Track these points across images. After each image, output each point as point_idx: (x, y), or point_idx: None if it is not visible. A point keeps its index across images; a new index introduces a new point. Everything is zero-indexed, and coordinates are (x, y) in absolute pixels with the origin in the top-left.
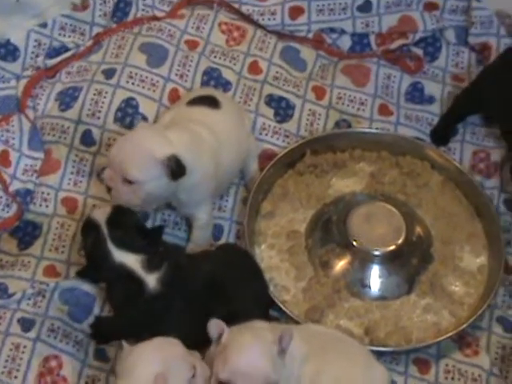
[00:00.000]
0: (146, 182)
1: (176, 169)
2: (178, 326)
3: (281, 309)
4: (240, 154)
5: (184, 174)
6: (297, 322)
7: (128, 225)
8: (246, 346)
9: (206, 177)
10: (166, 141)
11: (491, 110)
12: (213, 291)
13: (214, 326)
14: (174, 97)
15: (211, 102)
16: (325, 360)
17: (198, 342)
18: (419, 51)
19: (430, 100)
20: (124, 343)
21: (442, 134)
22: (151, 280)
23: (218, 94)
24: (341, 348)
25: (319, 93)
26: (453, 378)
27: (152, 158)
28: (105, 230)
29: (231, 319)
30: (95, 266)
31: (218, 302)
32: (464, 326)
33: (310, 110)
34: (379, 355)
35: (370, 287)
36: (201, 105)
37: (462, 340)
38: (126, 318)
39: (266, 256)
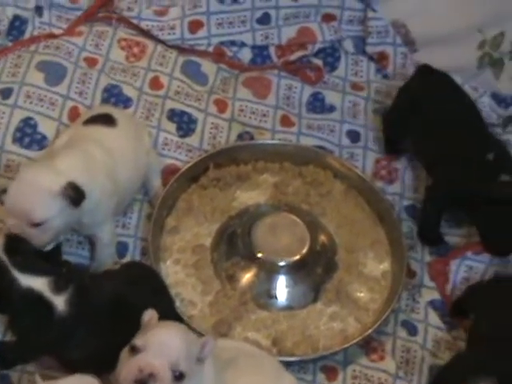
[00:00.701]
0: (52, 218)
1: (75, 195)
2: (84, 349)
3: (188, 324)
4: (138, 171)
5: (84, 198)
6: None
7: (26, 250)
8: (170, 327)
9: (105, 195)
10: (56, 171)
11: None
12: (118, 311)
13: (148, 313)
14: (74, 115)
15: (107, 121)
16: (235, 375)
17: (106, 364)
18: (319, 62)
19: (331, 109)
20: (37, 378)
21: (391, 148)
22: (59, 302)
23: (115, 111)
24: (250, 361)
25: (221, 106)
26: (360, 383)
27: (49, 194)
28: (4, 258)
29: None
30: (1, 296)
31: (124, 321)
32: (369, 331)
33: (212, 123)
34: (287, 365)
35: (276, 298)
36: (96, 124)
37: (368, 345)
38: (33, 342)
39: (172, 271)
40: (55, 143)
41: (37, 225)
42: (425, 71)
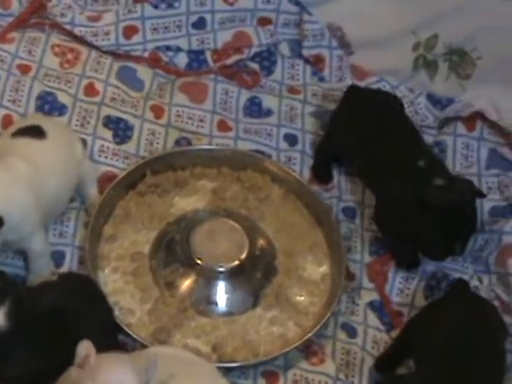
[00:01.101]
0: None
1: None
2: (22, 365)
3: (127, 333)
4: (68, 182)
5: (3, 224)
6: (143, 345)
7: None
8: (119, 366)
9: (27, 211)
10: None
11: (349, 155)
12: (56, 324)
13: (83, 347)
14: (8, 123)
15: (36, 133)
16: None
17: (44, 380)
18: (255, 66)
19: (268, 113)
20: None
21: (322, 173)
22: None
23: (45, 121)
24: (187, 368)
25: (158, 112)
26: None
27: None
28: None
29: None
30: None
31: (62, 334)
32: (309, 335)
33: (149, 129)
34: (228, 371)
35: (216, 304)
36: (24, 136)
37: (308, 349)
38: None
39: (110, 280)
40: None
41: None
42: (353, 91)
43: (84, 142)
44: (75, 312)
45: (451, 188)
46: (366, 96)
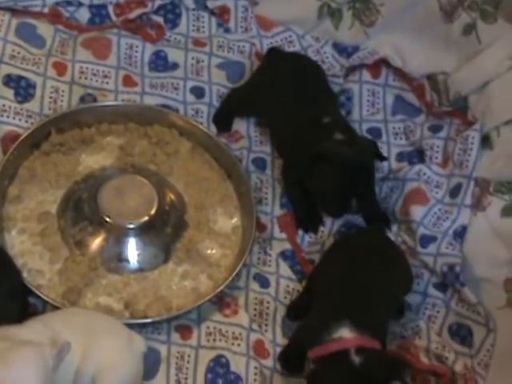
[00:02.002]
0: None
1: None
2: None
3: (37, 294)
4: None
5: None
6: (54, 306)
7: None
8: (19, 361)
9: None
10: None
11: (263, 114)
12: None
13: None
14: None
15: None
16: (86, 344)
17: None
18: (159, 19)
19: (174, 66)
20: None
21: (223, 121)
22: None
23: None
24: (101, 328)
25: (60, 69)
26: (214, 340)
27: None
28: None
29: None
30: None
31: None
32: (221, 287)
33: (52, 87)
34: (141, 327)
35: (127, 261)
36: None
37: (222, 301)
38: None
39: (17, 241)
40: None
41: None
42: (273, 53)
43: None
44: None
45: (350, 144)
46: (284, 58)
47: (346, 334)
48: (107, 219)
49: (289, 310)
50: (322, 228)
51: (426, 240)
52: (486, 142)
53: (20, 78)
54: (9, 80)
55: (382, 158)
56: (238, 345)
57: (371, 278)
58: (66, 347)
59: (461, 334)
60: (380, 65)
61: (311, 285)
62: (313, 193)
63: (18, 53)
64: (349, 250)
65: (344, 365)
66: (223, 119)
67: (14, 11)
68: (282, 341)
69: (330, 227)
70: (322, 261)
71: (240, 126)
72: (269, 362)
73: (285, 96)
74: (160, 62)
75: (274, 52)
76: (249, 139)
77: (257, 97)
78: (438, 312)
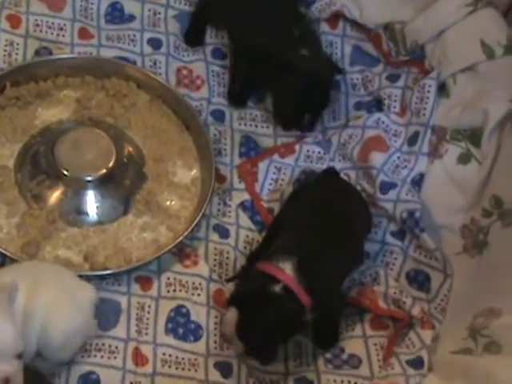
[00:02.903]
0: None
1: None
2: None
3: None
4: None
5: None
6: (13, 260)
7: None
8: None
9: None
10: None
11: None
12: None
13: None
14: None
15: None
16: (35, 290)
17: None
18: None
19: (130, 19)
20: None
21: (194, 38)
22: None
23: None
24: (48, 277)
25: (14, 21)
26: (174, 290)
27: None
28: None
29: None
30: None
31: None
32: (181, 238)
33: (6, 40)
34: (101, 279)
35: (86, 214)
36: None
37: (182, 252)
38: None
39: None
40: None
41: None
42: None
43: None
44: None
45: (313, 59)
46: None
47: (287, 269)
48: (65, 172)
49: (248, 260)
50: (281, 176)
51: (386, 186)
52: (442, 90)
53: None
54: None
55: (339, 70)
56: (198, 295)
57: (331, 224)
58: (13, 287)
59: (418, 279)
60: (338, 16)
61: (271, 234)
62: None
63: None
64: (308, 197)
65: (264, 290)
66: (194, 34)
67: None
68: None
69: (289, 175)
70: (281, 209)
71: (201, 69)
72: None
73: (258, 7)
74: (116, 14)
75: None
76: (209, 88)
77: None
78: (395, 259)
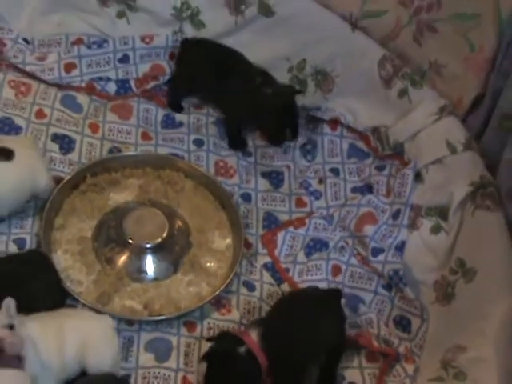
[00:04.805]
0: None
1: None
2: None
3: (77, 299)
4: (21, 188)
5: None
6: (90, 308)
7: None
8: None
9: None
10: None
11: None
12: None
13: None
14: None
15: (5, 154)
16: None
17: None
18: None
19: (180, 125)
20: None
21: (175, 103)
22: None
23: (14, 142)
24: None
25: (94, 128)
26: (213, 333)
27: None
28: None
29: (29, 305)
30: None
31: (16, 294)
32: (218, 291)
33: (87, 142)
34: (157, 323)
35: (146, 272)
36: None
37: (218, 303)
38: None
39: (62, 259)
40: None
41: None
42: (186, 42)
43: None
44: (27, 277)
45: (277, 93)
46: (201, 42)
47: (253, 334)
48: (130, 241)
49: None
50: (295, 243)
51: (376, 251)
52: (418, 177)
53: (64, 135)
54: (55, 137)
55: (300, 91)
56: None
57: (301, 322)
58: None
59: (402, 323)
60: (337, 121)
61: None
62: (262, 131)
63: (62, 117)
64: (292, 300)
65: (230, 349)
66: (175, 103)
67: (59, 86)
68: None
69: (301, 242)
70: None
71: (233, 161)
72: None
73: (218, 72)
74: (169, 122)
75: (190, 41)
76: (239, 176)
77: (194, 76)
78: (385, 307)
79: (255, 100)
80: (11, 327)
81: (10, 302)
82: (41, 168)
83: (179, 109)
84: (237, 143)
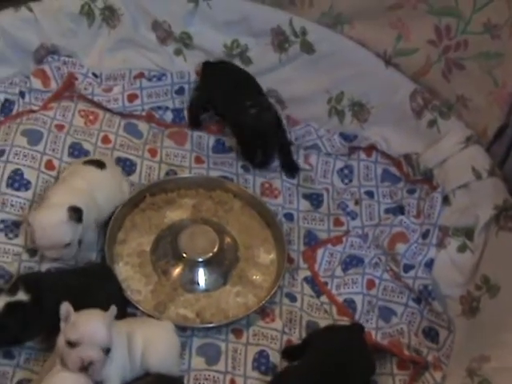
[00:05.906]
0: (73, 237)
1: (77, 214)
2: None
3: (136, 307)
4: (112, 199)
5: (82, 213)
6: (148, 315)
7: None
8: (92, 316)
9: (89, 211)
10: (56, 206)
11: (217, 108)
12: (76, 295)
13: (64, 308)
14: (49, 166)
15: (98, 163)
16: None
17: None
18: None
19: (229, 150)
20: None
21: (195, 119)
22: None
23: (107, 159)
24: (139, 322)
25: (153, 152)
26: (258, 339)
27: (62, 222)
28: None
29: None
30: None
31: (85, 302)
32: (263, 302)
33: (147, 165)
34: (207, 330)
35: (198, 284)
36: (90, 164)
37: (263, 312)
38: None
39: (124, 270)
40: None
41: (67, 245)
42: (208, 64)
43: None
44: (91, 288)
45: (258, 116)
46: (222, 66)
47: None
48: (184, 255)
49: (284, 351)
50: (333, 259)
51: (407, 267)
52: (446, 200)
53: (126, 159)
54: (119, 160)
55: (280, 123)
56: (275, 343)
57: (338, 364)
58: (112, 309)
59: (431, 334)
60: (372, 148)
61: (305, 343)
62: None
63: (125, 142)
64: (331, 339)
65: None
66: (194, 118)
67: (122, 115)
68: None
69: (339, 258)
70: (314, 334)
71: (278, 183)
72: None
73: (226, 91)
74: (220, 147)
75: (211, 64)
76: (283, 197)
77: (210, 95)
78: (415, 319)
79: (239, 117)
80: (107, 351)
81: (112, 313)
82: (124, 181)
83: (198, 125)
84: (259, 164)
